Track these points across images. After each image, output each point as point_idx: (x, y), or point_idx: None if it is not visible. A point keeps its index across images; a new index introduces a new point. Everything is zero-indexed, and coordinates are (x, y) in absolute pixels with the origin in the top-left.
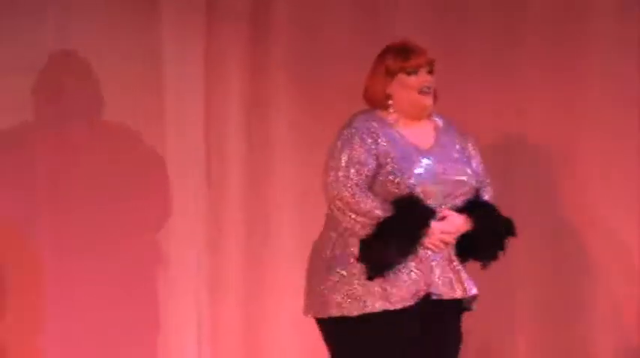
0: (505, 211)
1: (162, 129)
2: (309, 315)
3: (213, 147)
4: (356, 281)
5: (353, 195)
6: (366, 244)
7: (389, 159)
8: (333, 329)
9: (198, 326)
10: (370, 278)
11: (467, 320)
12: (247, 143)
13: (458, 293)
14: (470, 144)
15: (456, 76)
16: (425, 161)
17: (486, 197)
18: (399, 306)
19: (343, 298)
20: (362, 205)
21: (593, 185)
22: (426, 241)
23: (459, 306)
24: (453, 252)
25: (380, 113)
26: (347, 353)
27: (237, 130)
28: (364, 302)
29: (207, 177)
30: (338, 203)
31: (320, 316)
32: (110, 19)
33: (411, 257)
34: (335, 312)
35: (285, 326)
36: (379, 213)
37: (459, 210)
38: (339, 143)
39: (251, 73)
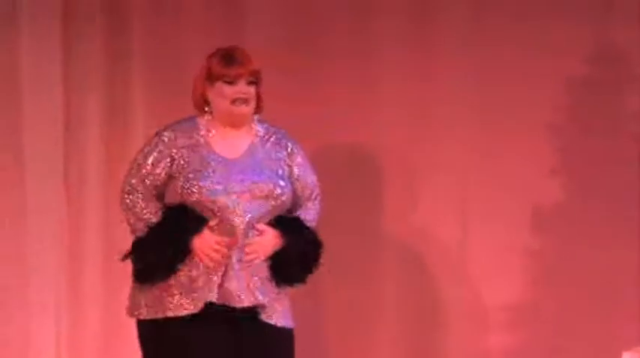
0: None
1: (20, 142)
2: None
3: (72, 149)
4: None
5: (134, 197)
6: (133, 246)
7: (185, 169)
8: (141, 332)
9: (57, 344)
10: (138, 281)
11: None
12: (106, 146)
13: (245, 302)
14: (298, 157)
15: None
16: (220, 171)
17: (303, 214)
18: (182, 313)
19: (143, 300)
20: (137, 208)
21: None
22: (198, 250)
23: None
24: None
25: (194, 122)
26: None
27: (96, 144)
28: (150, 307)
29: (64, 181)
30: (124, 198)
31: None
32: None
33: (178, 266)
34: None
35: None
36: (149, 217)
37: (273, 226)
38: (144, 148)
39: (110, 77)
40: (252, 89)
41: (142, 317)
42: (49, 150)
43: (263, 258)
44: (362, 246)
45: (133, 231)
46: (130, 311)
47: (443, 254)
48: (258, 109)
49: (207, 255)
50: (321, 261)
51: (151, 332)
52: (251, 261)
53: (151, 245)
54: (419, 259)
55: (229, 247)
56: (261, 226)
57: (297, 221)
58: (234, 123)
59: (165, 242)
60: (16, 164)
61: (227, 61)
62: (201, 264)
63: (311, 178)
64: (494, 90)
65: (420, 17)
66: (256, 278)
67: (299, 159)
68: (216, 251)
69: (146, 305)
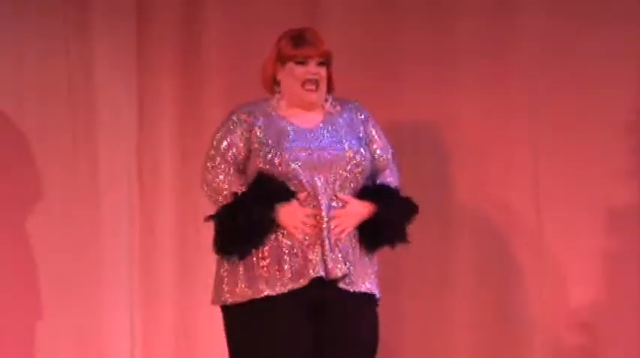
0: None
1: (95, 140)
2: (215, 304)
3: (146, 157)
4: (240, 269)
5: (215, 175)
6: (218, 217)
7: (263, 139)
8: (225, 316)
9: (132, 338)
10: (220, 255)
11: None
12: (180, 153)
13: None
14: (370, 126)
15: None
16: (300, 140)
17: (388, 179)
18: (280, 291)
19: (230, 286)
20: (218, 183)
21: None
22: (286, 223)
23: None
24: (348, 239)
25: (267, 100)
26: (238, 342)
27: (170, 140)
28: (245, 288)
29: (139, 188)
30: (205, 188)
31: (217, 304)
32: (40, 29)
33: (266, 238)
34: (225, 300)
35: (218, 338)
36: (232, 190)
37: (359, 195)
38: (220, 130)
39: (183, 80)
40: (322, 70)
41: (229, 302)
42: (123, 147)
43: (351, 228)
44: (436, 223)
45: (217, 205)
46: (216, 299)
47: (519, 239)
48: (329, 89)
49: (297, 228)
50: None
51: (240, 317)
52: (340, 233)
53: (236, 212)
54: (493, 238)
55: (316, 219)
56: (345, 196)
57: (385, 187)
58: (304, 106)
59: (251, 209)
60: (90, 162)
61: (297, 41)
62: (288, 242)
63: (387, 144)
64: (571, 89)
65: (495, 17)
66: (347, 247)
67: (373, 127)
68: (304, 223)
69: (230, 290)
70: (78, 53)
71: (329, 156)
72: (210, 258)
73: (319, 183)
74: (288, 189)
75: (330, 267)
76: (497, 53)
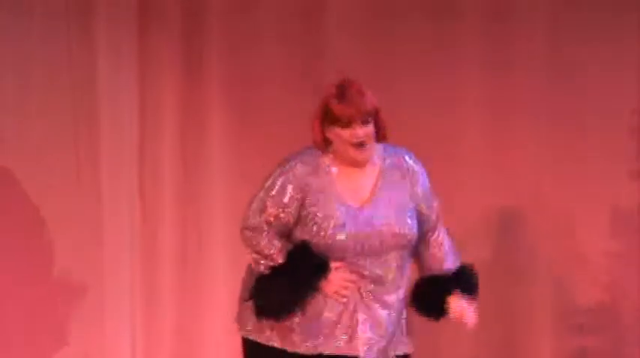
0: None
1: (97, 140)
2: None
3: (148, 165)
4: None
5: (258, 233)
6: (258, 282)
7: (315, 212)
8: (245, 348)
9: (132, 343)
10: (259, 317)
11: None
12: (182, 161)
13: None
14: (419, 182)
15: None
16: (349, 220)
17: (438, 236)
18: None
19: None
20: (262, 244)
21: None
22: (328, 291)
23: None
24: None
25: (321, 158)
26: None
27: (171, 148)
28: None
29: (141, 196)
30: (246, 233)
31: (240, 331)
32: (39, 27)
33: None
34: (249, 334)
35: (218, 341)
36: (273, 256)
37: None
38: (270, 180)
39: (186, 88)
40: (368, 128)
41: (251, 338)
42: (124, 154)
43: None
44: None
45: (255, 265)
46: (240, 326)
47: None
48: (381, 138)
49: (337, 293)
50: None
51: (257, 354)
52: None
53: (276, 286)
54: (494, 238)
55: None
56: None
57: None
58: (356, 164)
59: (289, 284)
60: (92, 168)
61: (340, 102)
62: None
63: (435, 202)
64: (573, 92)
65: (499, 17)
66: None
67: (421, 185)
68: (346, 288)
69: (255, 329)
70: (80, 62)
71: (377, 233)
72: (211, 266)
73: (364, 260)
74: (324, 259)
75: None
76: (498, 57)
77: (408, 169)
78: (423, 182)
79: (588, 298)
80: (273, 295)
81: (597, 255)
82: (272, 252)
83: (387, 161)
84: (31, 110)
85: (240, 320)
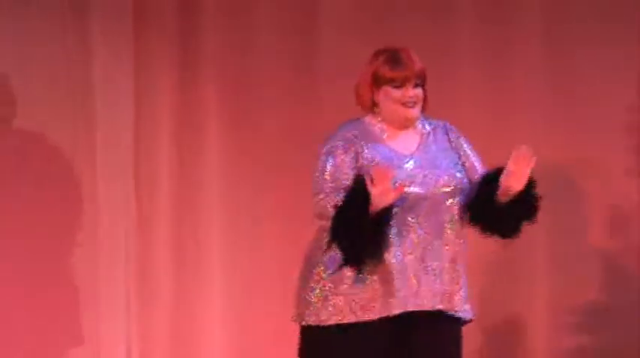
0: None
1: (93, 141)
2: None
3: (143, 162)
4: (330, 291)
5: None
6: (332, 232)
7: (369, 157)
8: (305, 336)
9: (127, 340)
10: (346, 264)
11: None
12: (178, 159)
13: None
14: (463, 142)
15: None
16: (407, 165)
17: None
18: (366, 318)
19: (316, 307)
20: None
21: None
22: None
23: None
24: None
25: (366, 120)
26: None
27: (167, 145)
28: (331, 311)
29: (135, 192)
30: (321, 222)
31: (298, 322)
32: (35, 29)
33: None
34: (308, 320)
35: (215, 338)
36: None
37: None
38: (322, 159)
39: (181, 85)
40: (419, 91)
41: (323, 323)
42: (120, 155)
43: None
44: None
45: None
46: (300, 318)
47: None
48: (423, 108)
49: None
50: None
51: (323, 340)
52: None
53: (348, 228)
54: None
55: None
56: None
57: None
58: (403, 124)
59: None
60: (88, 169)
61: (393, 64)
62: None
63: (478, 156)
64: (570, 89)
65: (496, 17)
66: (444, 273)
67: (465, 144)
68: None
69: (316, 311)
70: (77, 64)
71: (428, 180)
72: (208, 268)
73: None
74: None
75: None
76: (496, 54)
77: (453, 135)
78: (467, 145)
79: (585, 297)
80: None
81: (594, 254)
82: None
83: (428, 127)
84: (27, 112)
85: (296, 312)
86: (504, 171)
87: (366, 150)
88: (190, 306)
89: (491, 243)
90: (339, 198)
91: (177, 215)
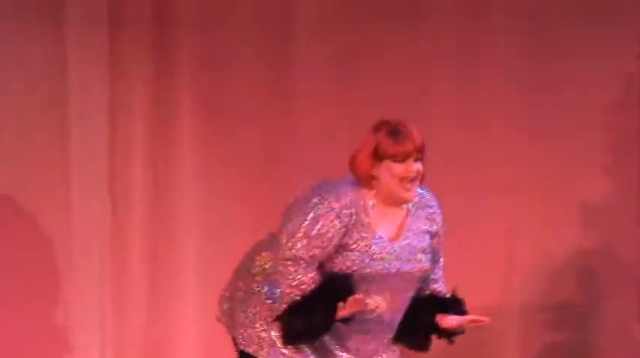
0: None
1: (67, 154)
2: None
3: (118, 166)
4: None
5: (297, 268)
6: (290, 309)
7: (352, 247)
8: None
9: (102, 352)
10: (285, 342)
11: None
12: (152, 162)
13: None
14: (440, 232)
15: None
16: (387, 256)
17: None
18: None
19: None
20: (303, 280)
21: None
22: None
23: None
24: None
25: (361, 191)
26: None
27: (142, 150)
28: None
29: (110, 193)
30: (288, 265)
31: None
32: (9, 40)
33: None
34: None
35: (189, 349)
36: (306, 288)
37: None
38: (311, 213)
39: (156, 91)
40: (420, 166)
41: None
42: (95, 168)
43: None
44: None
45: (282, 296)
46: (246, 344)
47: (489, 252)
48: (421, 181)
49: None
50: None
51: None
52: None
53: (303, 314)
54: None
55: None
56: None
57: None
58: (398, 204)
59: (316, 312)
60: (63, 172)
61: (395, 138)
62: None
63: (442, 260)
64: (547, 89)
65: (468, 24)
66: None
67: (441, 234)
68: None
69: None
70: (51, 69)
71: (401, 274)
72: (181, 269)
73: (385, 296)
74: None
75: None
76: (473, 53)
77: (436, 221)
78: (441, 235)
79: (560, 294)
80: (300, 324)
81: (569, 251)
82: (306, 283)
83: (416, 203)
84: (3, 118)
85: (246, 339)
86: (447, 318)
87: (355, 235)
88: (165, 317)
89: (461, 243)
90: (305, 286)
91: (153, 227)
